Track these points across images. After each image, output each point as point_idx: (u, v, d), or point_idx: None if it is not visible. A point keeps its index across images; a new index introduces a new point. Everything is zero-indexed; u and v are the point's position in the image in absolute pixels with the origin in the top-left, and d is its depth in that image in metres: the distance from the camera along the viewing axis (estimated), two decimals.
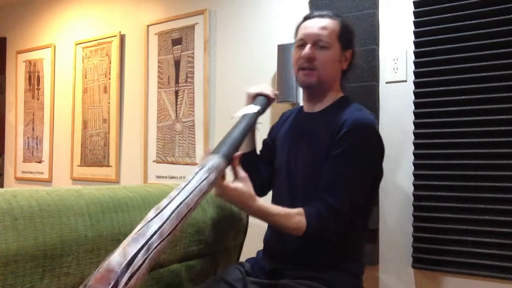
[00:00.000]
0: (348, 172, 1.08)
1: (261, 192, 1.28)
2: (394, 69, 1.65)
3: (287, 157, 1.24)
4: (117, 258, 0.63)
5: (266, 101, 1.27)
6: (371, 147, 1.12)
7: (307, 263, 1.12)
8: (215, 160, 0.88)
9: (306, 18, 1.22)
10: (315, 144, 1.16)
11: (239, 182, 0.98)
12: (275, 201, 1.24)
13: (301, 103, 1.34)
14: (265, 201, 1.04)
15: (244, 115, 1.14)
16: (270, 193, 1.32)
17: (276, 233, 1.19)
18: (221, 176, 0.93)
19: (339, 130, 1.09)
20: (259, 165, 1.35)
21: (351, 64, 1.24)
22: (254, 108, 1.19)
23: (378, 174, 1.18)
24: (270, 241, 1.25)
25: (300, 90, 1.79)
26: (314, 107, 1.24)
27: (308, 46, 1.15)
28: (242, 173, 0.99)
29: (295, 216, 1.04)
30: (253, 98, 1.26)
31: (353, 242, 1.17)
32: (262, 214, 1.03)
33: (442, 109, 1.52)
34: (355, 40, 1.24)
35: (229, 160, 0.94)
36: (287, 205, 1.08)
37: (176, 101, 2.30)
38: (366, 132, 1.10)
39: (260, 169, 1.34)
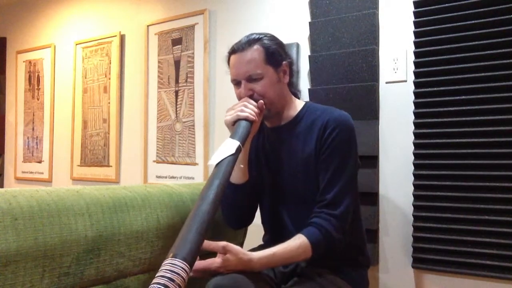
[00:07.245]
0: (342, 170, 1.13)
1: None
2: (394, 69, 1.65)
3: (270, 174, 1.24)
4: None
5: (249, 125, 1.09)
6: (354, 141, 1.18)
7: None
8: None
9: (230, 53, 1.21)
10: (301, 149, 1.19)
11: (227, 255, 0.99)
12: (269, 220, 1.28)
13: None
14: (260, 250, 1.05)
15: (219, 164, 0.96)
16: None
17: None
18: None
19: (324, 130, 1.14)
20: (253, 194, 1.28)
21: (292, 72, 1.24)
22: (231, 147, 1.00)
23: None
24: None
25: None
26: (279, 121, 1.25)
27: (243, 85, 1.17)
28: (219, 244, 0.99)
29: (298, 248, 1.05)
30: (233, 125, 1.11)
31: (359, 233, 1.25)
32: (268, 263, 1.05)
33: (442, 109, 1.52)
34: (285, 50, 1.22)
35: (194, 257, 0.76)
36: (284, 218, 1.19)
37: (176, 101, 2.30)
38: (349, 128, 1.16)
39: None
